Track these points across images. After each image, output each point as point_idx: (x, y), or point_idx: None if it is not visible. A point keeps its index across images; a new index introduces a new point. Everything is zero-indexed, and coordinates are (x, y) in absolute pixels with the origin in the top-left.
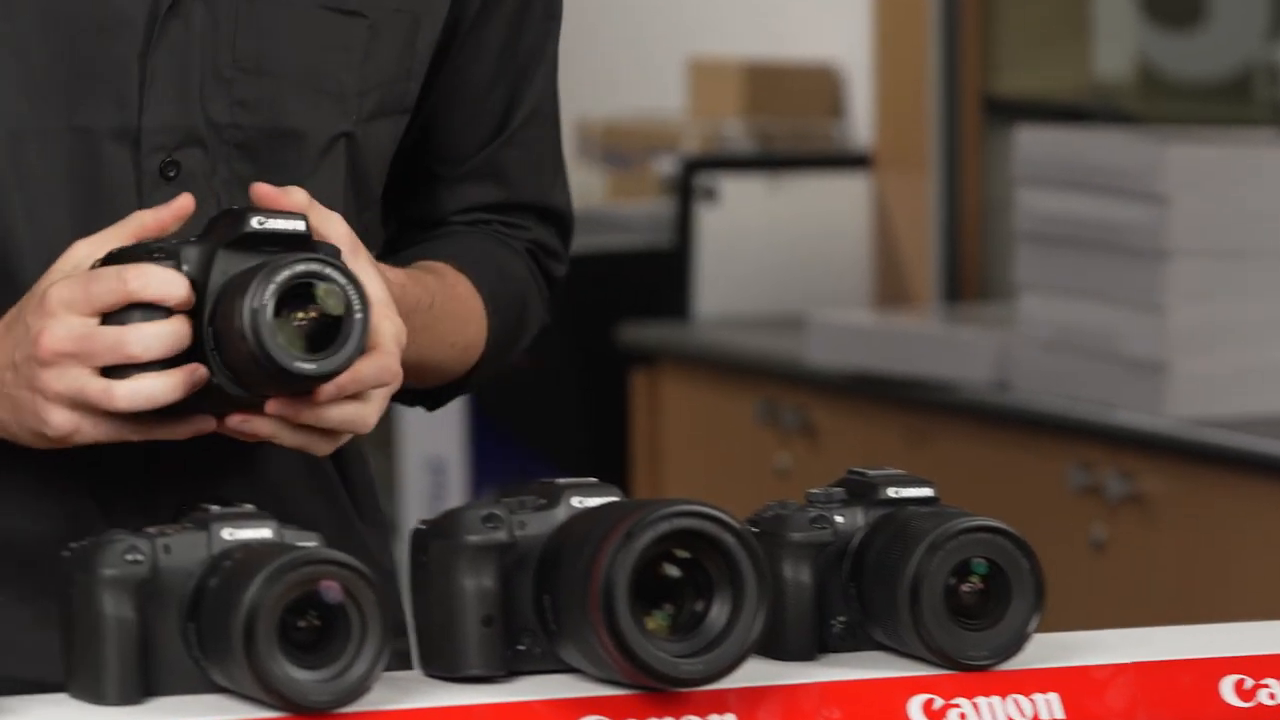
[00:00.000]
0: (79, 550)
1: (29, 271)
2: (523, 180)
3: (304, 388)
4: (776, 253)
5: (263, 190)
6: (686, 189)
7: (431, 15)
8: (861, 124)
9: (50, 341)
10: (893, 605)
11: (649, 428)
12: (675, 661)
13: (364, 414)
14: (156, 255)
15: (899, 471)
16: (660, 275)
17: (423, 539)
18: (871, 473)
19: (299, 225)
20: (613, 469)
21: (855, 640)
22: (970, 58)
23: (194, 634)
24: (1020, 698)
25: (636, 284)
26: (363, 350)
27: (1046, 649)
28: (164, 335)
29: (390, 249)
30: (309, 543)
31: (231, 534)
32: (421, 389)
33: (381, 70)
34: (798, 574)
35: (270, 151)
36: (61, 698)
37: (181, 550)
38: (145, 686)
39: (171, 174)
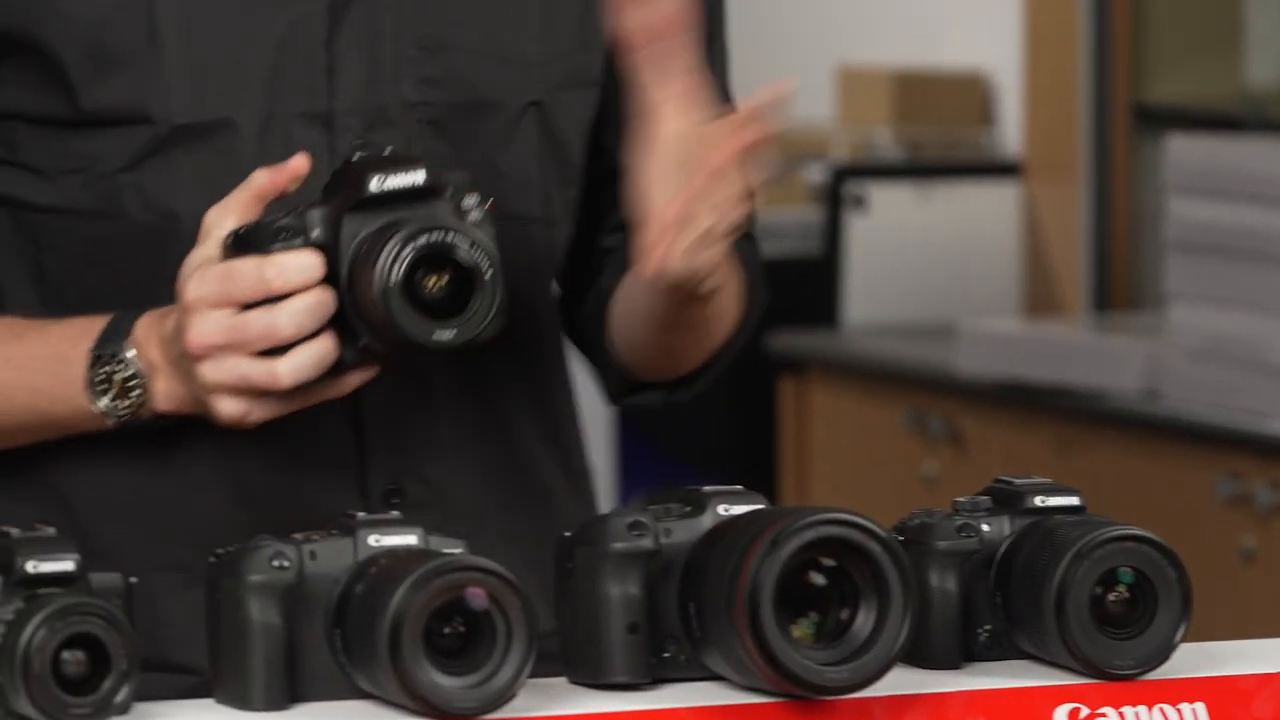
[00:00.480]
0: (226, 556)
1: None
2: None
3: (444, 353)
4: (925, 261)
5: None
6: (835, 197)
7: None
8: (1011, 132)
9: (197, 336)
10: (1038, 614)
11: (796, 436)
12: (820, 669)
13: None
14: (282, 233)
15: (1046, 480)
16: (809, 283)
17: (568, 546)
18: (1018, 481)
19: (418, 177)
20: (760, 477)
21: (1001, 649)
22: (1121, 66)
23: (340, 640)
24: (1167, 707)
25: (785, 292)
26: (497, 306)
27: (1193, 658)
28: (313, 309)
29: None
30: (455, 549)
31: (377, 540)
32: (689, 363)
33: (560, 40)
34: (943, 582)
35: (462, 125)
36: (208, 703)
37: (327, 556)
38: (291, 692)
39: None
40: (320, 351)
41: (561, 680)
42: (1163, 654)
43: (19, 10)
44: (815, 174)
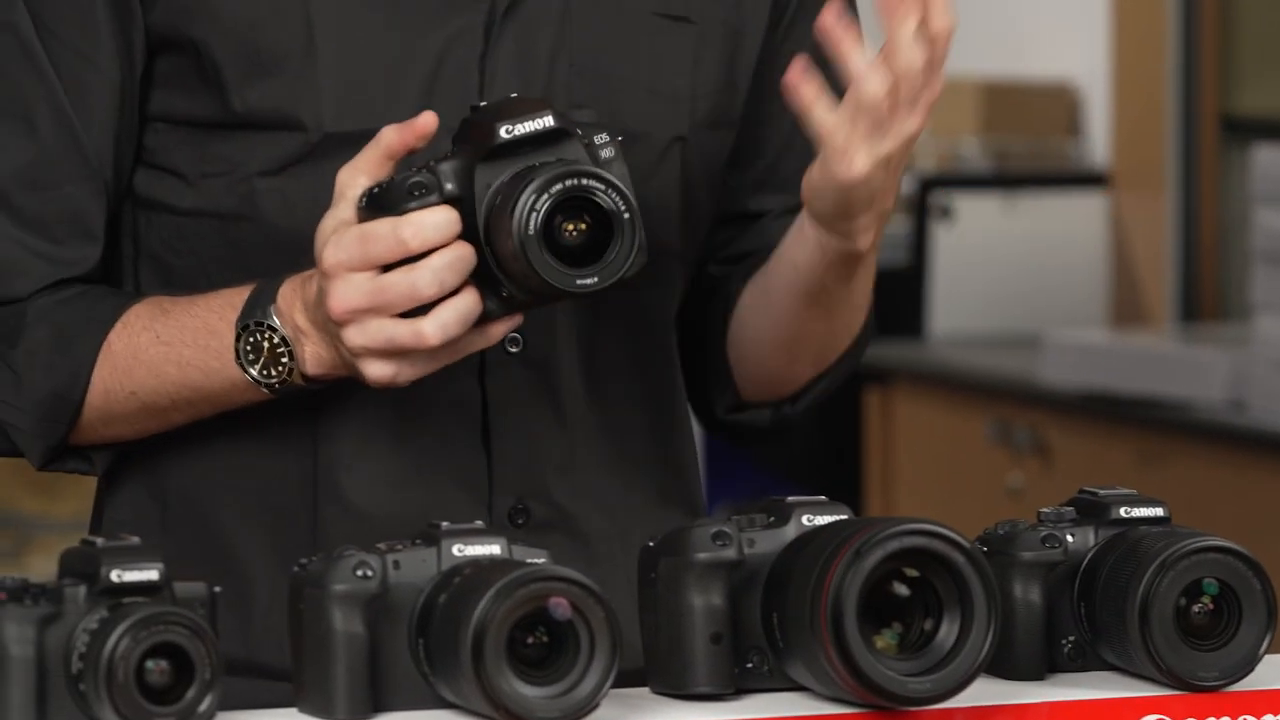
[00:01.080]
0: (310, 565)
1: None
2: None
3: (588, 297)
4: (1011, 271)
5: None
6: (922, 207)
7: (753, 33)
8: (1099, 142)
9: (339, 302)
10: (1122, 625)
11: (882, 446)
12: (903, 680)
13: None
14: (416, 190)
15: (1130, 491)
16: (895, 293)
17: (652, 556)
18: (1102, 492)
19: (546, 121)
20: (845, 487)
21: (1084, 660)
22: (1208, 76)
23: (423, 650)
24: (1250, 718)
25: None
26: (637, 246)
27: (1278, 669)
28: (453, 265)
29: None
30: (538, 559)
31: (461, 550)
32: (805, 368)
33: (710, 78)
34: (1027, 593)
35: None
36: (290, 712)
37: (411, 566)
38: (374, 702)
39: None
40: (464, 307)
41: (644, 690)
42: (1247, 665)
43: (177, 9)
44: (902, 184)
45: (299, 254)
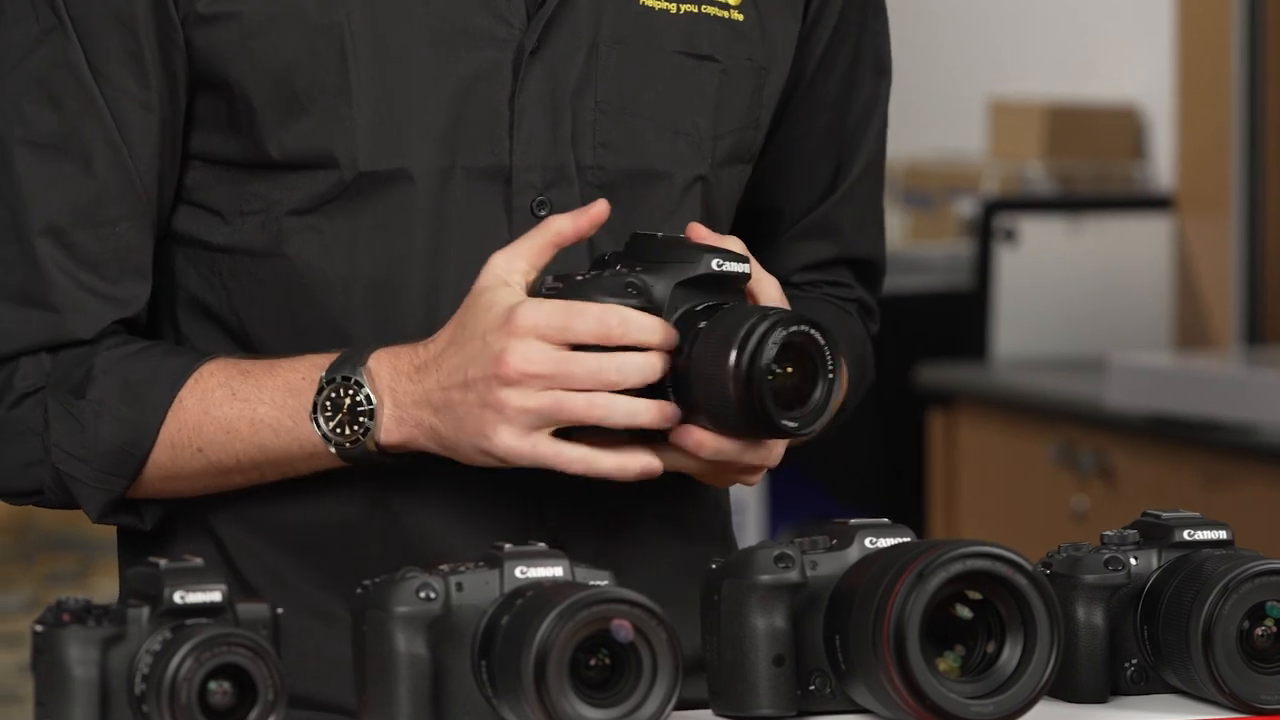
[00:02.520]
0: (373, 587)
1: (411, 306)
2: (854, 235)
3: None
4: (1076, 294)
5: (700, 232)
6: (986, 230)
7: (778, 68)
8: (1163, 165)
9: (522, 360)
10: (1185, 648)
11: (945, 469)
12: (966, 703)
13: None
14: (630, 290)
15: (1193, 514)
16: (959, 316)
17: (715, 578)
18: (1166, 515)
19: (746, 268)
20: (908, 509)
21: (1147, 683)
22: (1274, 98)
23: (485, 671)
24: None
25: (935, 325)
26: (832, 401)
27: None
28: (642, 369)
29: None
30: (600, 581)
31: (523, 572)
32: None
33: (732, 116)
34: (1090, 616)
35: (632, 192)
36: None
37: (473, 588)
38: None
39: (542, 213)
40: (637, 404)
41: (706, 712)
42: None
43: (217, 49)
44: (966, 207)
45: (327, 293)
